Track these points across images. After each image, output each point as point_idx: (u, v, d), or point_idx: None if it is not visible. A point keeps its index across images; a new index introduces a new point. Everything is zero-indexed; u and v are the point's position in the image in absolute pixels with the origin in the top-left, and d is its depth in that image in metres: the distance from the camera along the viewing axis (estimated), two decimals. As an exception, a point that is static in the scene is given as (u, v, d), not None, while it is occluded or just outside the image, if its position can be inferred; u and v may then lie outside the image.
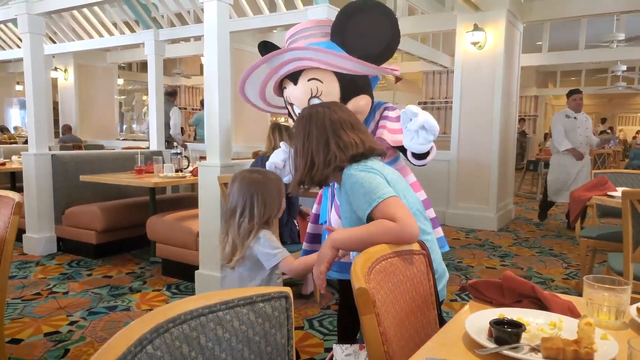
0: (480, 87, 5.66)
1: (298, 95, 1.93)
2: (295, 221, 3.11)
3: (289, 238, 3.01)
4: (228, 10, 3.27)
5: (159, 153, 4.82)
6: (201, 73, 12.26)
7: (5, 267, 2.01)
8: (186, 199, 4.74)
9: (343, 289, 2.08)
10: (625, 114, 20.32)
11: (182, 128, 7.36)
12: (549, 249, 4.87)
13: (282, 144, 2.13)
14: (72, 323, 2.88)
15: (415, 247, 1.31)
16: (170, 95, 6.69)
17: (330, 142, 1.45)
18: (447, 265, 4.43)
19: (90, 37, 5.58)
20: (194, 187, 5.26)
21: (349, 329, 2.09)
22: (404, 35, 6.43)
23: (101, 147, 7.73)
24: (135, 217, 4.28)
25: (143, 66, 11.47)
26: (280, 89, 2.06)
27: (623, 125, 20.15)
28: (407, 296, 1.19)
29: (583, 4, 6.04)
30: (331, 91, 1.90)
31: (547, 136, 12.51)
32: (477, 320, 1.04)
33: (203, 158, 4.82)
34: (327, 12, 4.07)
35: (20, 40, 5.93)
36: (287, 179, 1.95)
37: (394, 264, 1.21)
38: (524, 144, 12.57)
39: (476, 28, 5.53)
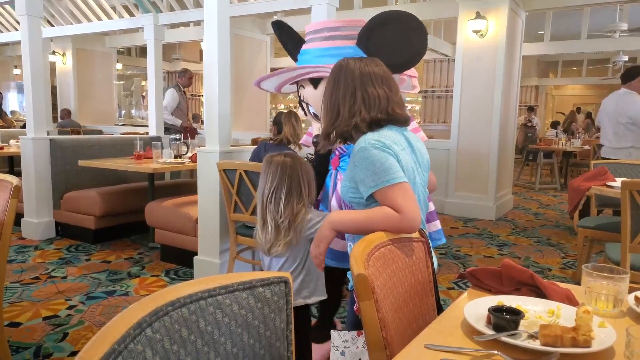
0: (482, 76, 5.64)
1: (316, 98, 1.97)
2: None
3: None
4: (228, -5, 3.23)
5: (158, 139, 4.80)
6: (201, 59, 12.18)
7: (4, 251, 2.00)
8: (185, 185, 4.73)
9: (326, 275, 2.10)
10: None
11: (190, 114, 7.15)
12: (546, 238, 4.89)
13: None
14: (70, 307, 2.89)
15: (415, 234, 1.31)
16: (180, 74, 6.29)
17: (357, 93, 1.40)
18: (445, 254, 4.45)
19: (89, 20, 5.53)
20: (192, 173, 5.26)
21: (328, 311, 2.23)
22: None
23: (100, 132, 7.70)
24: (133, 202, 4.28)
25: (142, 51, 11.38)
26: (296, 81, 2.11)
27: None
28: (405, 283, 1.20)
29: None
30: None
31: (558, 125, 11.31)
32: (475, 307, 1.04)
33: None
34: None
35: (18, 22, 5.88)
36: None
37: (393, 250, 1.21)
38: (530, 136, 10.67)
39: (478, 16, 5.49)
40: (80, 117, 8.65)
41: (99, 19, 5.50)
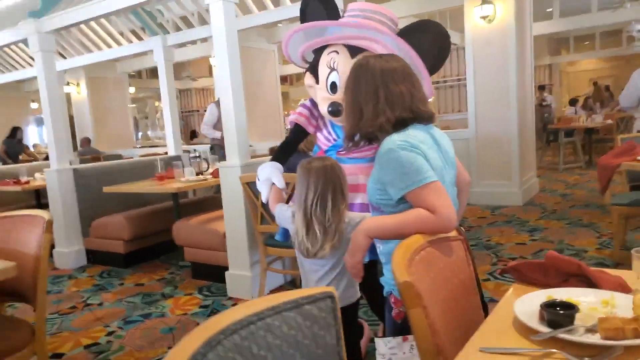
0: (493, 61, 5.55)
1: (349, 69, 1.95)
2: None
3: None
4: (234, 9, 3.24)
5: (178, 158, 4.85)
6: (210, 74, 12.29)
7: (43, 284, 2.04)
8: (208, 201, 4.76)
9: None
10: None
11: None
12: (578, 219, 4.78)
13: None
14: (109, 333, 2.92)
15: (452, 233, 1.28)
16: None
17: (379, 92, 1.37)
18: (475, 245, 4.38)
19: (100, 49, 5.62)
20: (213, 187, 5.29)
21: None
22: (411, 15, 6.33)
23: (119, 156, 7.81)
24: (160, 223, 4.32)
25: (152, 72, 11.54)
26: (320, 47, 2.06)
27: (642, 86, 19.61)
28: (449, 284, 1.17)
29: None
30: None
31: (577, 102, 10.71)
32: (525, 303, 1.01)
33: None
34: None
35: (32, 59, 6.01)
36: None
37: (432, 252, 1.18)
38: (547, 117, 10.23)
39: (484, 1, 5.41)
40: (99, 143, 8.80)
41: (109, 46, 5.58)
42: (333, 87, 2.01)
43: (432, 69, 1.95)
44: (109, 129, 9.11)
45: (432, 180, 1.24)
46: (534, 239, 4.22)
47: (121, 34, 5.71)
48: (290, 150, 2.35)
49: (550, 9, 9.75)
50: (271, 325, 0.80)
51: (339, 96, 1.96)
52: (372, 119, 1.36)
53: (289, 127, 2.74)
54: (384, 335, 1.40)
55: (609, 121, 8.39)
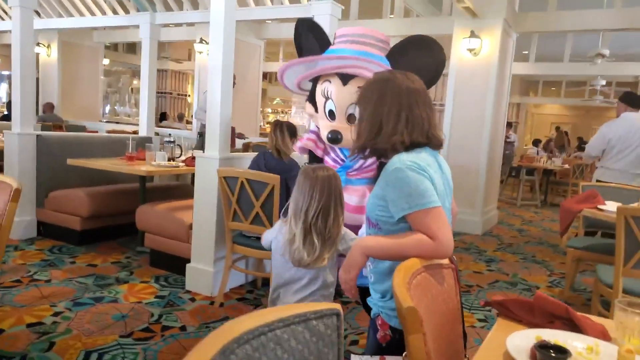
0: (473, 92, 5.71)
1: (342, 95, 1.98)
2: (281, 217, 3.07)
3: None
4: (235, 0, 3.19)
5: (149, 139, 4.71)
6: (189, 58, 12.04)
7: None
8: (176, 189, 4.65)
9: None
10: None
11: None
12: (532, 255, 4.97)
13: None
14: (56, 314, 2.78)
15: (445, 260, 1.30)
16: None
17: (402, 114, 1.36)
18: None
19: (82, 14, 5.39)
20: (178, 176, 5.17)
21: None
22: (400, 35, 6.42)
23: (83, 128, 7.52)
24: (122, 204, 4.18)
25: (129, 47, 11.20)
26: (316, 77, 2.09)
27: (597, 137, 20.65)
28: (440, 311, 1.18)
29: (574, 19, 6.16)
30: None
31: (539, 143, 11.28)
32: (516, 340, 1.03)
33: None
34: (330, 8, 4.04)
35: (6, 12, 5.71)
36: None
37: (427, 278, 1.19)
38: (508, 153, 10.16)
39: (473, 35, 5.56)
40: (63, 111, 8.44)
41: (92, 13, 5.37)
42: (331, 114, 2.05)
43: (429, 84, 1.98)
44: (76, 98, 8.75)
45: (435, 206, 1.25)
46: (490, 269, 4.35)
47: (106, 1, 5.50)
48: None
49: (526, 52, 10.16)
50: (280, 338, 0.78)
51: (337, 123, 2.01)
52: (389, 137, 1.36)
53: (296, 152, 2.71)
54: (364, 354, 1.40)
55: (567, 166, 8.77)
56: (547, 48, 10.24)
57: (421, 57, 1.98)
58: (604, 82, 11.34)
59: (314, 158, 2.29)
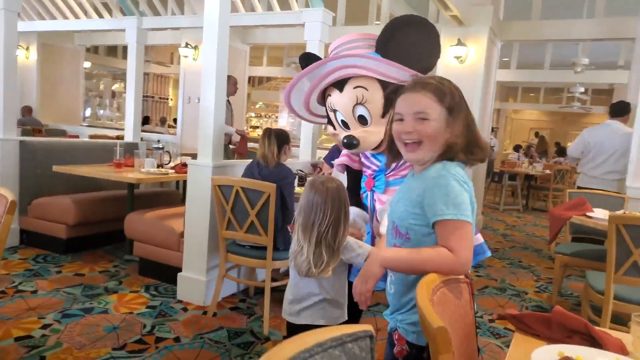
0: (460, 99, 5.76)
1: (343, 102, 1.97)
2: (288, 227, 3.05)
3: (283, 244, 2.95)
4: (230, 5, 3.16)
5: (135, 145, 4.63)
6: (171, 62, 11.91)
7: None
8: (163, 195, 4.57)
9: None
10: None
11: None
12: (518, 260, 5.03)
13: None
14: (45, 326, 2.70)
15: (461, 275, 1.29)
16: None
17: (469, 118, 1.36)
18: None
19: (65, 17, 5.28)
20: (162, 183, 5.09)
21: None
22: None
23: (64, 132, 7.36)
24: (109, 211, 4.10)
25: (110, 50, 11.01)
26: (322, 97, 2.07)
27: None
28: (458, 327, 1.18)
29: (556, 28, 6.29)
30: (375, 99, 1.96)
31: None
32: (541, 357, 1.04)
33: (188, 155, 4.69)
34: (322, 16, 4.05)
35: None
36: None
37: (446, 294, 1.19)
38: (490, 158, 10.40)
39: (459, 43, 5.63)
40: (42, 115, 8.24)
41: (76, 16, 5.27)
42: (345, 124, 2.04)
43: (431, 56, 1.96)
44: (56, 101, 8.55)
45: (467, 220, 1.25)
46: (479, 274, 4.39)
47: (92, 6, 5.41)
48: (354, 193, 2.28)
49: (506, 59, 10.34)
50: (321, 363, 0.76)
51: (352, 130, 2.01)
52: (454, 141, 1.34)
53: (335, 170, 2.68)
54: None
55: (547, 171, 8.94)
56: (527, 55, 10.44)
57: (410, 35, 1.96)
58: (582, 90, 11.61)
59: (351, 173, 2.27)
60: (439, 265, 1.22)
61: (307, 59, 2.11)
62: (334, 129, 2.12)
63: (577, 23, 6.38)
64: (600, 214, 3.19)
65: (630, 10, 6.08)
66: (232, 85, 5.26)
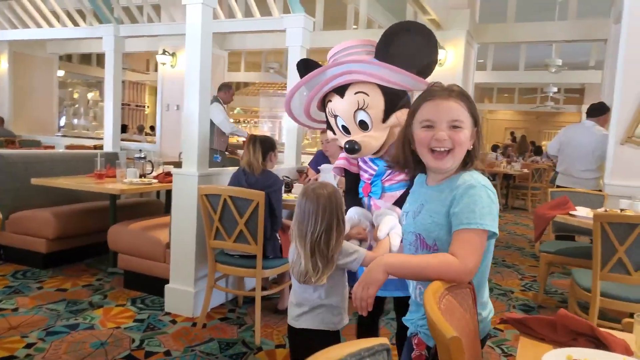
0: (440, 102, 5.83)
1: (344, 107, 1.97)
2: (277, 235, 3.03)
3: (272, 252, 2.92)
4: (212, 13, 3.13)
5: (115, 155, 4.54)
6: (147, 69, 11.75)
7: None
8: (145, 205, 4.49)
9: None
10: (548, 131, 21.85)
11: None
12: (502, 259, 5.09)
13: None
14: (29, 345, 2.61)
15: (465, 282, 1.29)
16: (220, 90, 5.37)
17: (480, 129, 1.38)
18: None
19: (38, 25, 5.16)
20: (142, 193, 5.00)
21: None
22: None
23: (38, 143, 7.18)
24: (91, 224, 4.00)
25: (84, 58, 10.78)
26: (322, 103, 2.07)
27: (547, 141, 21.64)
28: (464, 334, 1.18)
29: (530, 30, 6.44)
30: (377, 104, 1.95)
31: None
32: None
33: (168, 163, 4.62)
34: (303, 21, 4.04)
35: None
36: None
37: (451, 301, 1.19)
38: None
39: (438, 46, 5.69)
40: (15, 125, 8.02)
41: (50, 24, 5.15)
42: (345, 130, 2.04)
43: (427, 68, 1.96)
44: (29, 111, 8.33)
45: (488, 231, 1.25)
46: (465, 276, 4.41)
47: (67, 13, 5.28)
48: (354, 194, 2.27)
49: (481, 60, 10.52)
50: (342, 381, 0.75)
51: (353, 136, 2.01)
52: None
53: (322, 175, 2.66)
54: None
55: (525, 170, 9.10)
56: (502, 57, 10.64)
57: (409, 41, 1.98)
58: (555, 89, 11.88)
59: (350, 176, 2.25)
60: (444, 272, 1.22)
61: (306, 66, 2.10)
62: (334, 134, 2.11)
63: (550, 25, 6.55)
64: (583, 212, 3.25)
65: (601, 12, 6.26)
66: (230, 95, 5.41)
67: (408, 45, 1.91)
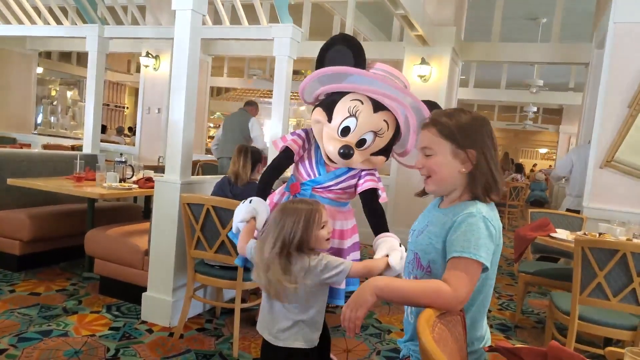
0: (423, 117, 5.89)
1: (369, 121, 2.03)
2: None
3: (253, 265, 2.88)
4: (201, 20, 3.10)
5: (95, 157, 4.45)
6: (128, 71, 11.58)
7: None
8: (123, 210, 4.40)
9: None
10: (526, 148, 22.29)
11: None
12: (479, 278, 5.13)
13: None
14: (0, 351, 2.52)
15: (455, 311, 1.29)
16: (250, 105, 5.75)
17: (487, 156, 1.36)
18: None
19: (20, 22, 5.03)
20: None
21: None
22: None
23: (14, 140, 6.99)
24: (67, 227, 3.90)
25: (63, 55, 10.56)
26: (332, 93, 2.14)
27: (524, 159, 22.07)
28: (455, 362, 1.17)
29: (513, 51, 6.58)
30: (385, 140, 2.10)
31: None
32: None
33: (147, 167, 4.54)
34: (291, 32, 4.04)
35: None
36: None
37: (443, 330, 1.18)
38: None
39: (423, 62, 5.76)
40: (-11, 122, 7.81)
41: (32, 21, 5.03)
42: (345, 131, 2.04)
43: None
44: (4, 108, 8.10)
45: (482, 262, 1.25)
46: (443, 292, 4.43)
47: (49, 9, 5.16)
48: (277, 176, 2.27)
49: (464, 77, 10.70)
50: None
51: (348, 139, 2.03)
52: (490, 184, 1.35)
53: (272, 148, 2.65)
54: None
55: (504, 188, 9.24)
56: (484, 75, 10.83)
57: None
58: (535, 109, 12.13)
59: (287, 156, 2.24)
60: (434, 300, 1.21)
61: (352, 47, 2.10)
62: (328, 121, 2.11)
63: (533, 47, 6.69)
64: (562, 235, 3.30)
65: (583, 37, 6.43)
66: (256, 109, 5.78)
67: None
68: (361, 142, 2.06)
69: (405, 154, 2.25)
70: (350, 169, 2.18)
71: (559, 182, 5.38)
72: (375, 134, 2.06)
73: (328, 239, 1.76)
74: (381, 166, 2.26)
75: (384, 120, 2.04)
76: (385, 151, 2.16)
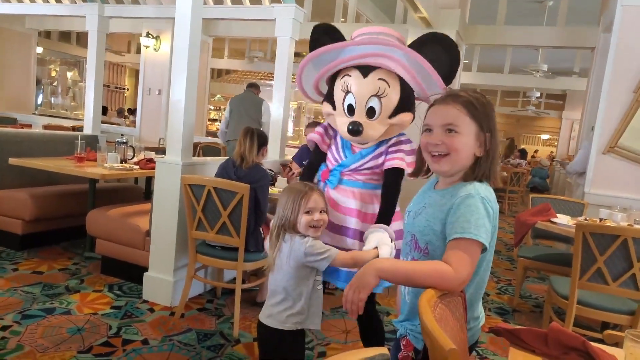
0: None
1: (362, 88, 1.94)
2: (261, 229, 3.00)
3: (254, 246, 2.89)
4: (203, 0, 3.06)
5: (95, 138, 4.43)
6: (128, 51, 11.48)
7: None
8: (124, 191, 4.40)
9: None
10: (527, 134, 22.23)
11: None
12: (478, 262, 5.15)
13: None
14: (4, 328, 2.54)
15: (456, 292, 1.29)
16: (255, 87, 5.64)
17: (497, 137, 1.34)
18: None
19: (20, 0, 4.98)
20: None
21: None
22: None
23: (14, 120, 6.96)
24: (68, 207, 3.90)
25: (63, 35, 10.46)
26: (332, 76, 2.06)
27: (525, 144, 22.02)
28: (456, 343, 1.17)
29: (518, 34, 6.50)
30: (392, 97, 1.95)
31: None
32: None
33: (148, 148, 4.53)
34: (294, 12, 4.00)
35: None
36: None
37: (444, 310, 1.18)
38: None
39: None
40: (-11, 101, 7.78)
41: (32, -1, 4.98)
42: (350, 109, 2.00)
43: (446, 79, 1.96)
44: (5, 88, 8.05)
45: (480, 242, 1.23)
46: (442, 276, 4.46)
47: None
48: (314, 173, 2.25)
49: (468, 61, 10.60)
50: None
51: (356, 118, 1.98)
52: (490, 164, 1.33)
53: (305, 145, 2.67)
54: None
55: (504, 173, 9.23)
56: (487, 59, 10.73)
57: (437, 52, 1.97)
58: (538, 94, 12.03)
59: (317, 152, 2.23)
60: (436, 280, 1.21)
61: (329, 32, 2.06)
62: (334, 109, 2.07)
63: (538, 30, 6.61)
64: (563, 220, 3.30)
65: (590, 20, 6.35)
66: (259, 90, 5.64)
67: (434, 53, 1.92)
68: (371, 111, 2.00)
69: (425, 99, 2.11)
70: (376, 147, 2.07)
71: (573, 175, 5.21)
72: (378, 97, 1.96)
73: (315, 227, 1.74)
74: (408, 124, 2.10)
75: (379, 80, 1.94)
76: (402, 108, 2.01)
